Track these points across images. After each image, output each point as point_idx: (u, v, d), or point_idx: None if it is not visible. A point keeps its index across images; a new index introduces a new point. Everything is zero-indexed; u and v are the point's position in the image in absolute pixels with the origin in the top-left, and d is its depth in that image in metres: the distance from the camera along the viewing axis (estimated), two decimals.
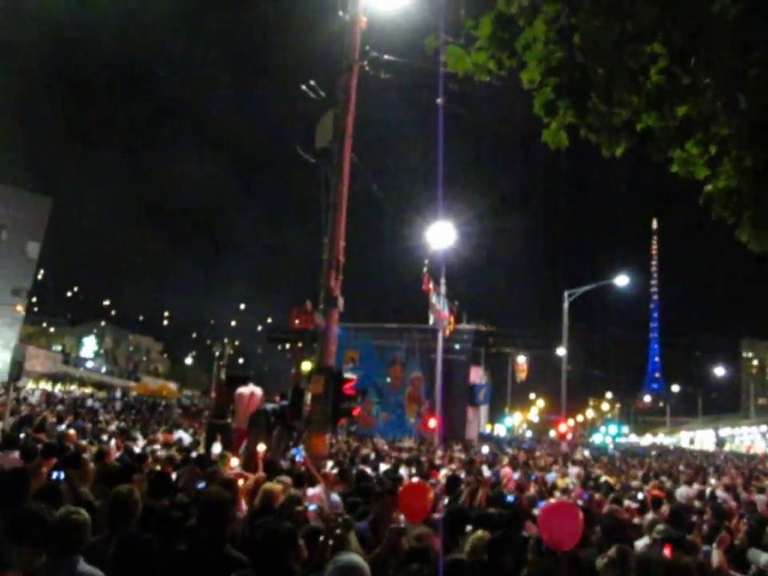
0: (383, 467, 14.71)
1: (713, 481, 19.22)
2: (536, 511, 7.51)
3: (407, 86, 14.46)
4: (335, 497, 8.74)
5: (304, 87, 13.28)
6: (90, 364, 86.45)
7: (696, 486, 15.99)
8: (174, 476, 8.36)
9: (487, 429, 64.03)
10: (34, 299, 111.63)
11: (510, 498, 9.28)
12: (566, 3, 5.00)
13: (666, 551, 5.57)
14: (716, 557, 6.84)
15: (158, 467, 9.45)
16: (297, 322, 14.13)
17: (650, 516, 8.73)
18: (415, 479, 8.91)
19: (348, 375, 12.42)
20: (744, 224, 5.48)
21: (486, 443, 38.87)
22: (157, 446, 14.79)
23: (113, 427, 23.55)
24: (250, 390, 13.21)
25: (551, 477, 16.56)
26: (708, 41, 4.64)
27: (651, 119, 5.30)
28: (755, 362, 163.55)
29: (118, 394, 53.36)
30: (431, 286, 23.55)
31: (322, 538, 4.83)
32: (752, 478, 22.23)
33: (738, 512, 11.02)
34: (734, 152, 5.37)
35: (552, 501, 7.20)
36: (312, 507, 6.44)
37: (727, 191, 5.52)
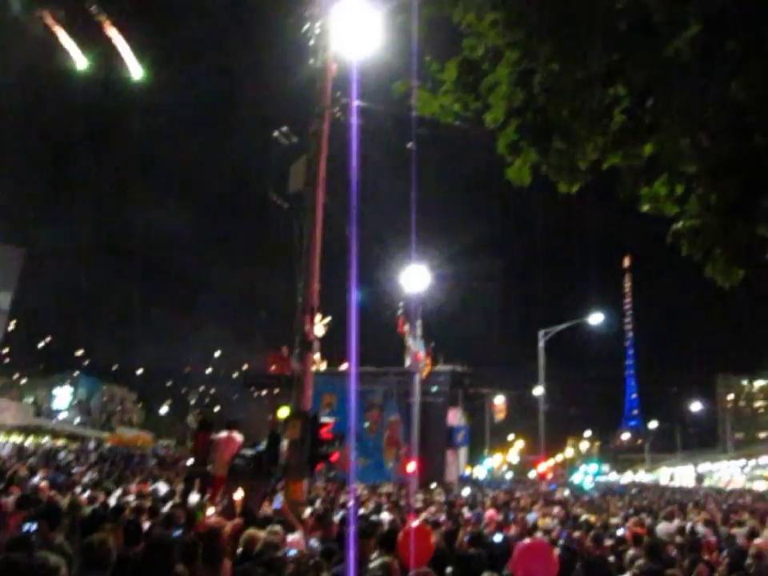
0: (363, 512, 14.56)
1: (693, 516, 19.20)
2: None
3: (379, 131, 14.68)
4: (314, 542, 8.65)
5: (276, 133, 13.44)
6: (62, 415, 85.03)
7: (676, 522, 15.97)
8: (147, 525, 8.23)
9: (467, 471, 63.57)
10: (6, 350, 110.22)
11: (498, 539, 9.25)
12: (527, 49, 5.15)
13: None
14: None
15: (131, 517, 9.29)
16: (273, 367, 14.10)
17: (630, 552, 8.71)
18: (414, 523, 8.80)
19: (325, 419, 12.37)
20: (712, 261, 5.60)
21: (467, 485, 38.64)
22: (131, 497, 14.55)
23: (86, 479, 23.13)
24: (228, 435, 13.07)
25: (532, 517, 16.48)
26: (665, 83, 4.80)
27: (617, 159, 5.44)
28: (730, 397, 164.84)
29: (92, 445, 52.43)
30: (406, 328, 23.56)
31: None
32: (731, 512, 22.26)
33: (717, 546, 11.04)
34: (699, 190, 5.50)
35: (526, 540, 7.17)
36: (291, 553, 6.37)
37: (694, 229, 5.64)
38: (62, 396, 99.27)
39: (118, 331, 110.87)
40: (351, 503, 16.94)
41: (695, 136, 5.22)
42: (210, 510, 10.03)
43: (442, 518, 14.00)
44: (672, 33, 4.75)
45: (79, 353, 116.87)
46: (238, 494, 12.24)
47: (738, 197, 5.14)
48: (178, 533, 7.07)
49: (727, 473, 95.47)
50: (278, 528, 7.88)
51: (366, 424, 41.86)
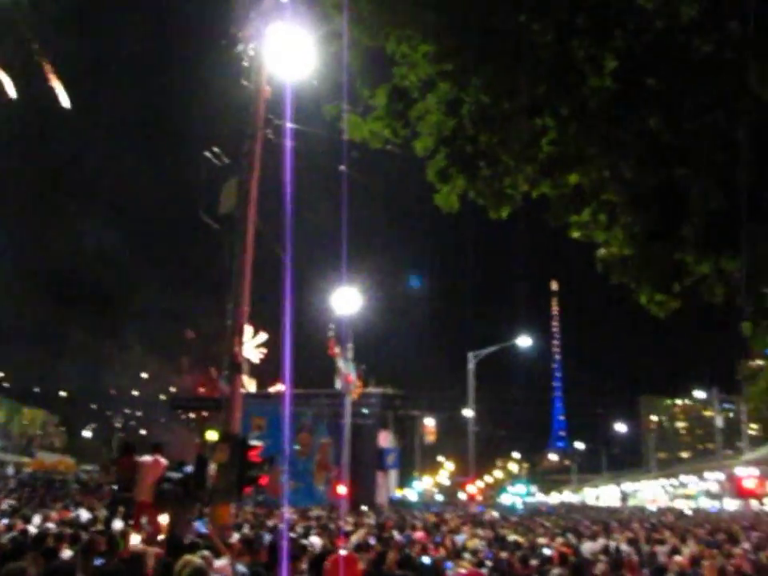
0: (292, 536, 14.41)
1: (617, 535, 19.59)
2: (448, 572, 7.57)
3: (311, 154, 14.73)
4: (241, 568, 8.53)
5: (207, 153, 13.35)
6: None
7: (601, 541, 16.29)
8: (69, 553, 8.00)
9: (397, 493, 63.50)
10: None
11: (427, 561, 9.30)
12: (458, 80, 5.29)
13: None
14: None
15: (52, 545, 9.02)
16: (201, 389, 13.90)
17: (555, 571, 8.88)
18: (343, 549, 8.73)
19: (254, 442, 12.24)
20: (642, 289, 5.80)
21: (395, 508, 38.63)
22: (51, 524, 14.09)
23: (4, 506, 22.27)
24: (153, 458, 12.80)
25: (461, 539, 16.58)
26: (586, 115, 4.99)
27: (546, 188, 5.62)
28: (654, 418, 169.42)
29: (11, 470, 50.54)
30: (337, 350, 23.57)
31: None
32: (653, 530, 22.81)
33: (639, 564, 11.32)
34: (622, 218, 5.71)
35: (462, 571, 7.27)
36: None
37: (620, 258, 5.84)
38: None
39: (39, 353, 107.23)
40: (283, 526, 16.78)
41: (617, 167, 5.42)
42: (135, 537, 9.79)
43: (372, 540, 13.97)
44: (593, 68, 4.95)
45: None
46: (163, 519, 12.01)
47: (658, 225, 5.35)
48: (99, 561, 6.90)
49: (650, 492, 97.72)
50: (207, 553, 7.76)
51: (297, 447, 41.50)
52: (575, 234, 6.16)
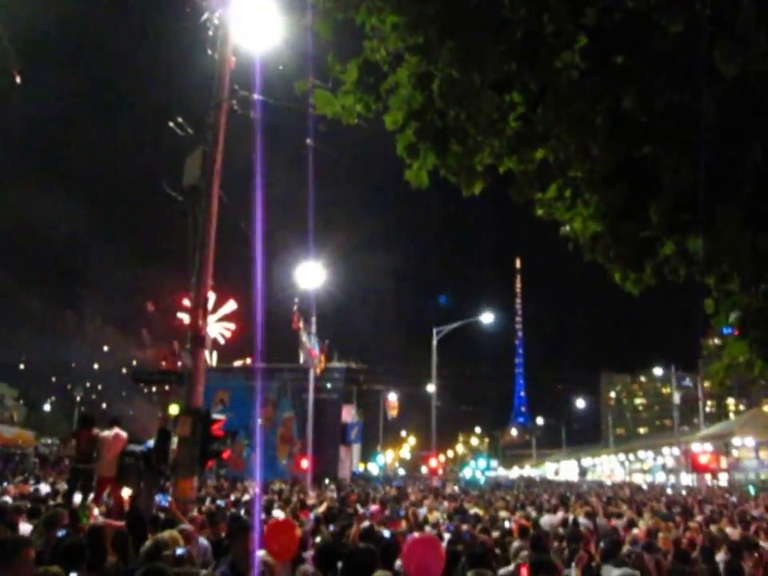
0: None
1: (576, 509, 19.95)
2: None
3: (277, 126, 14.58)
4: (203, 541, 8.54)
5: (171, 124, 13.13)
6: None
7: (560, 514, 16.57)
8: (29, 527, 7.93)
9: (360, 467, 63.94)
10: None
11: (386, 534, 9.37)
12: (427, 54, 5.24)
13: (523, 572, 5.80)
14: (573, 574, 7.20)
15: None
16: (163, 363, 13.81)
17: (515, 543, 9.01)
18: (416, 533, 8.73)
19: (216, 416, 12.20)
20: (615, 267, 5.84)
21: (358, 482, 38.90)
22: (8, 498, 13.96)
23: None
24: (114, 432, 12.70)
25: (422, 511, 16.76)
26: (556, 92, 4.98)
27: (512, 163, 5.61)
28: (613, 395, 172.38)
29: None
30: (301, 324, 23.51)
31: None
32: (609, 504, 23.27)
33: (594, 537, 11.55)
34: (587, 195, 5.73)
35: (415, 534, 7.32)
36: (179, 551, 6.27)
37: (591, 236, 5.86)
38: None
39: None
40: (254, 495, 16.81)
41: (584, 144, 5.43)
42: (96, 511, 9.73)
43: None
44: (563, 44, 4.94)
45: None
46: (125, 492, 11.95)
47: (625, 204, 5.38)
48: (61, 533, 6.85)
49: (608, 467, 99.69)
50: (186, 527, 7.75)
51: (260, 420, 41.49)
52: (539, 212, 6.17)
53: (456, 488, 37.42)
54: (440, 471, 47.12)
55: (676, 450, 64.16)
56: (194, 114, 13.59)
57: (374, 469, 68.80)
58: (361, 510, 15.96)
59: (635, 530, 13.00)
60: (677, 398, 58.09)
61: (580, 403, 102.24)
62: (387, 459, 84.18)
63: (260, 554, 6.16)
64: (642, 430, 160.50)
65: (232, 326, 48.80)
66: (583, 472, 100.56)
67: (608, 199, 5.51)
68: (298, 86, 5.74)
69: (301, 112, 12.76)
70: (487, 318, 41.39)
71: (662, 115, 4.82)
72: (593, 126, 5.24)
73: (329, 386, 41.89)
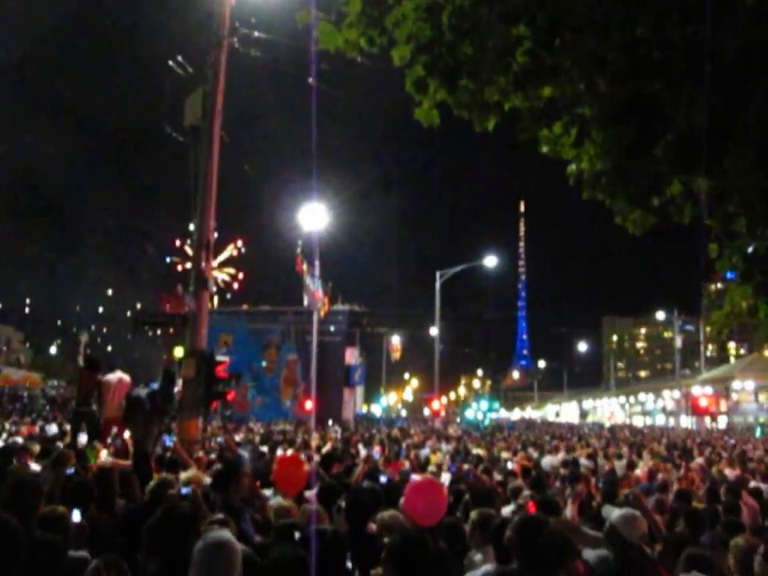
0: (263, 449, 14.61)
1: (576, 450, 20.18)
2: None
3: (279, 65, 14.30)
4: (209, 480, 8.62)
5: (171, 63, 12.88)
6: None
7: (561, 455, 16.76)
8: (36, 467, 8.00)
9: (363, 409, 64.64)
10: None
11: (383, 479, 9.45)
12: None
13: (531, 509, 5.86)
14: (569, 510, 7.28)
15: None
16: (168, 306, 13.80)
17: (516, 483, 9.10)
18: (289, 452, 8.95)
19: (220, 358, 12.25)
20: (618, 205, 5.75)
21: (361, 423, 39.35)
22: (19, 439, 14.14)
23: None
24: (118, 376, 12.74)
25: (424, 452, 16.95)
26: (569, 25, 4.82)
27: (518, 99, 5.47)
28: (614, 338, 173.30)
29: None
30: (305, 267, 23.45)
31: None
32: (609, 445, 23.56)
33: (594, 477, 11.68)
34: (594, 132, 5.61)
35: (416, 478, 7.40)
36: (184, 491, 6.32)
37: (595, 173, 5.76)
38: None
39: (1, 269, 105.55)
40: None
41: (594, 80, 5.29)
42: (104, 453, 9.82)
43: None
44: None
45: None
46: (126, 434, 12.06)
47: (634, 139, 5.27)
48: (70, 471, 6.91)
49: (609, 409, 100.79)
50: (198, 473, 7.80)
51: (264, 363, 41.82)
52: (544, 149, 6.06)
53: (458, 429, 37.85)
54: (442, 413, 47.61)
55: (676, 393, 64.70)
56: (195, 52, 13.32)
57: (377, 410, 69.61)
58: (363, 450, 16.16)
59: (636, 471, 13.15)
60: (678, 341, 58.35)
61: (582, 347, 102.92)
62: (390, 401, 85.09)
63: (273, 500, 6.21)
64: (642, 374, 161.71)
65: (232, 270, 48.89)
66: (584, 414, 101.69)
67: (616, 136, 5.39)
68: (299, 17, 5.54)
69: (303, 49, 12.51)
70: (490, 261, 41.30)
71: (676, 48, 4.67)
72: (603, 61, 5.10)
73: (332, 328, 42.00)
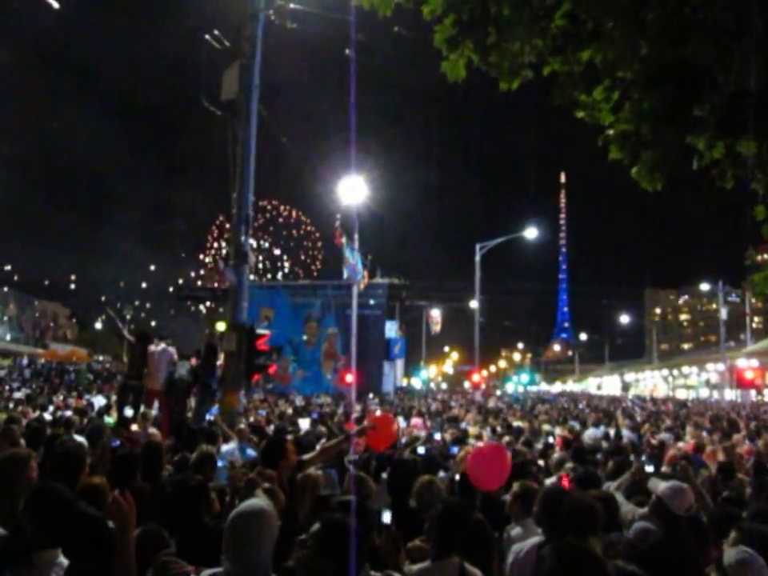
0: (303, 422, 14.72)
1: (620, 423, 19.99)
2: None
3: (316, 36, 14.18)
4: (251, 452, 8.71)
5: (208, 37, 12.86)
6: None
7: (602, 429, 16.63)
8: (81, 439, 8.14)
9: (403, 382, 64.85)
10: None
11: (421, 451, 9.43)
12: None
13: (564, 483, 5.80)
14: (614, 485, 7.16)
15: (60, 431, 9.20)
16: (208, 280, 13.90)
17: (556, 455, 9.04)
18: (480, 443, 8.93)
19: (261, 331, 12.32)
20: (640, 165, 5.62)
21: (401, 396, 39.48)
22: (68, 412, 14.44)
23: (19, 395, 22.85)
24: (161, 347, 12.93)
25: (464, 425, 16.94)
26: None
27: (556, 63, 5.34)
28: (657, 310, 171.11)
29: (25, 361, 51.48)
30: (344, 240, 23.42)
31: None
32: (650, 418, 23.32)
33: (638, 450, 11.56)
34: (634, 96, 5.47)
35: (482, 444, 7.42)
36: (221, 463, 6.39)
37: (624, 134, 5.64)
38: None
39: (48, 246, 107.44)
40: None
41: (635, 42, 5.15)
42: (152, 429, 9.99)
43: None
44: None
45: (8, 268, 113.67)
46: (174, 406, 12.26)
47: (671, 105, 5.13)
48: (116, 443, 7.03)
49: (651, 382, 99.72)
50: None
51: (304, 337, 42.06)
52: (580, 114, 5.93)
53: (499, 402, 37.78)
54: (482, 386, 47.52)
55: (721, 366, 63.67)
56: (231, 26, 13.27)
57: (417, 383, 69.79)
58: (403, 423, 16.21)
59: (681, 444, 12.98)
60: (723, 313, 57.24)
61: (624, 319, 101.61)
62: (430, 374, 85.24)
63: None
64: (686, 346, 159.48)
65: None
66: (626, 387, 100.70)
67: (657, 100, 5.26)
68: None
69: (340, 21, 12.39)
70: (531, 233, 40.87)
71: (724, 8, 4.51)
72: (645, 23, 4.95)
73: (372, 302, 42.01)
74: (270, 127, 13.37)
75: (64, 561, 3.60)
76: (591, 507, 4.23)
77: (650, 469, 7.07)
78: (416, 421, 16.50)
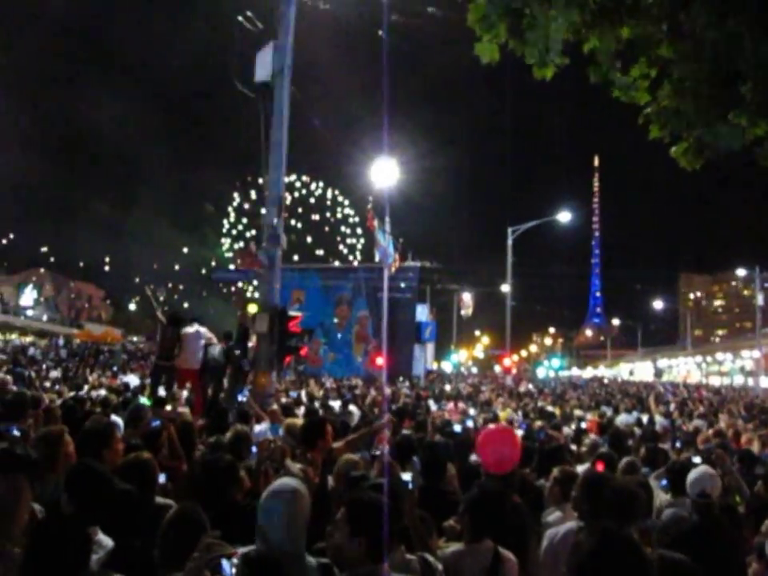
0: (333, 404, 14.79)
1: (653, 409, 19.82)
2: None
3: (349, 17, 14.12)
4: (282, 432, 8.75)
5: (241, 18, 12.85)
6: (30, 312, 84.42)
7: (635, 414, 16.49)
8: (116, 418, 8.24)
9: (434, 366, 64.82)
10: None
11: (457, 429, 9.46)
12: None
13: (599, 467, 5.74)
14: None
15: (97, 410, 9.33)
16: (239, 262, 13.95)
17: (589, 439, 8.98)
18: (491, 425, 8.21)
19: (293, 313, 12.37)
20: (681, 144, 5.51)
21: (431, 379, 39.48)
22: (102, 391, 14.63)
23: (55, 374, 23.22)
24: (195, 329, 13.03)
25: (495, 409, 16.92)
26: None
27: (594, 40, 5.23)
28: (692, 296, 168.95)
29: (61, 341, 52.30)
30: (375, 223, 23.35)
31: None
32: (684, 404, 23.08)
33: (670, 437, 11.46)
34: (675, 74, 5.35)
35: (491, 426, 7.31)
36: (254, 450, 6.41)
37: (666, 112, 5.51)
38: (29, 293, 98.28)
39: (83, 228, 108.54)
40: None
41: (676, 18, 5.03)
42: (186, 410, 10.08)
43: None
44: None
45: (43, 250, 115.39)
46: (207, 387, 12.37)
47: (714, 82, 5.01)
48: (156, 422, 7.09)
49: (685, 368, 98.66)
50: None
51: (335, 319, 42.15)
52: (616, 94, 5.81)
53: (530, 386, 37.64)
54: (513, 370, 47.36)
55: (756, 353, 62.74)
56: (264, 7, 13.25)
57: (447, 367, 69.77)
58: (434, 406, 16.22)
59: (710, 432, 12.83)
60: (760, 299, 56.28)
61: (657, 304, 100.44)
62: (461, 358, 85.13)
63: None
64: (720, 333, 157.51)
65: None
66: (659, 373, 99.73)
67: (698, 78, 5.14)
68: None
69: (372, 2, 12.31)
70: (564, 216, 40.50)
71: None
72: None
73: (403, 285, 41.87)
74: (303, 109, 13.34)
75: (103, 539, 3.65)
76: (635, 494, 4.21)
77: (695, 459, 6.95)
78: (450, 406, 16.52)
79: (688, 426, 14.58)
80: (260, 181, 12.23)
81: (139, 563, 3.39)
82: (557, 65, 5.29)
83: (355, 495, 3.46)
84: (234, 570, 2.57)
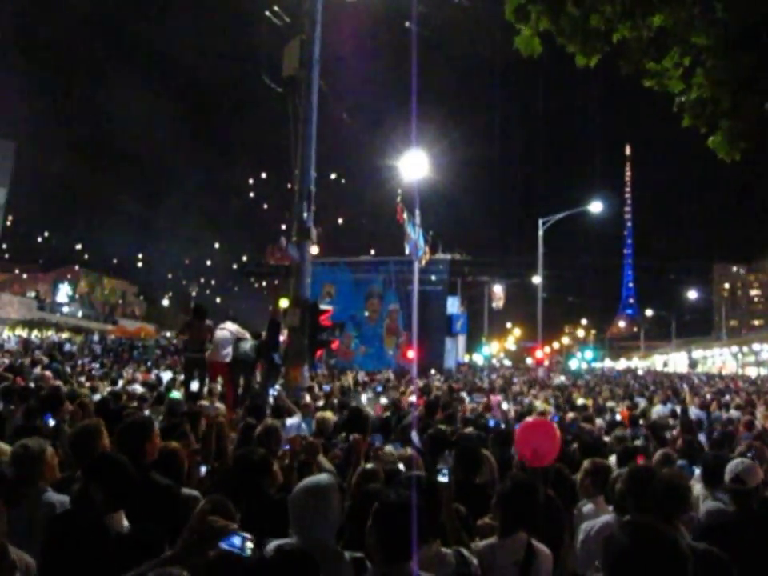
0: (364, 397, 14.83)
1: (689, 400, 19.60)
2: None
3: (376, 9, 14.07)
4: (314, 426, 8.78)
5: (268, 13, 12.87)
6: (65, 309, 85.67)
7: (670, 406, 16.32)
8: (147, 413, 8.33)
9: (465, 358, 64.63)
10: (4, 246, 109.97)
11: (492, 423, 9.42)
12: None
13: (639, 461, 5.69)
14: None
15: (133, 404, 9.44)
16: (271, 258, 14.01)
17: (619, 432, 8.89)
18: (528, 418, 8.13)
19: (324, 307, 12.39)
20: (718, 134, 5.41)
21: (463, 372, 39.37)
22: (137, 386, 14.78)
23: (95, 366, 23.58)
24: (227, 325, 13.09)
25: (527, 401, 16.85)
26: None
27: (625, 29, 5.15)
28: (726, 286, 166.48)
29: (96, 337, 52.95)
30: (405, 216, 23.32)
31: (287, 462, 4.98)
32: (721, 395, 22.78)
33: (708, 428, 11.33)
34: (709, 63, 5.25)
35: (530, 419, 7.24)
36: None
37: (701, 101, 5.41)
38: (64, 290, 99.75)
39: (116, 225, 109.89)
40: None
41: (711, 6, 4.93)
42: (219, 405, 10.16)
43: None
44: None
45: (78, 247, 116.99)
46: (240, 381, 12.44)
47: (751, 70, 4.91)
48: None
49: (720, 359, 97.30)
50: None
51: (366, 312, 42.21)
52: (648, 83, 5.72)
53: (563, 378, 37.39)
54: (546, 362, 47.06)
55: None
56: (291, 1, 13.24)
57: (479, 359, 69.52)
58: (467, 398, 16.17)
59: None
60: None
61: (691, 295, 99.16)
62: (492, 350, 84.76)
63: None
64: (756, 323, 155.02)
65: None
66: (693, 364, 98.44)
67: (732, 66, 5.03)
68: None
69: None
70: (596, 207, 40.06)
71: None
72: None
73: (433, 277, 41.82)
74: (331, 102, 13.34)
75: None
76: (683, 488, 4.18)
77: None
78: (495, 398, 16.45)
79: (724, 417, 14.39)
80: (296, 172, 12.23)
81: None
82: (598, 51, 5.22)
83: (381, 496, 3.45)
84: (247, 544, 2.57)
